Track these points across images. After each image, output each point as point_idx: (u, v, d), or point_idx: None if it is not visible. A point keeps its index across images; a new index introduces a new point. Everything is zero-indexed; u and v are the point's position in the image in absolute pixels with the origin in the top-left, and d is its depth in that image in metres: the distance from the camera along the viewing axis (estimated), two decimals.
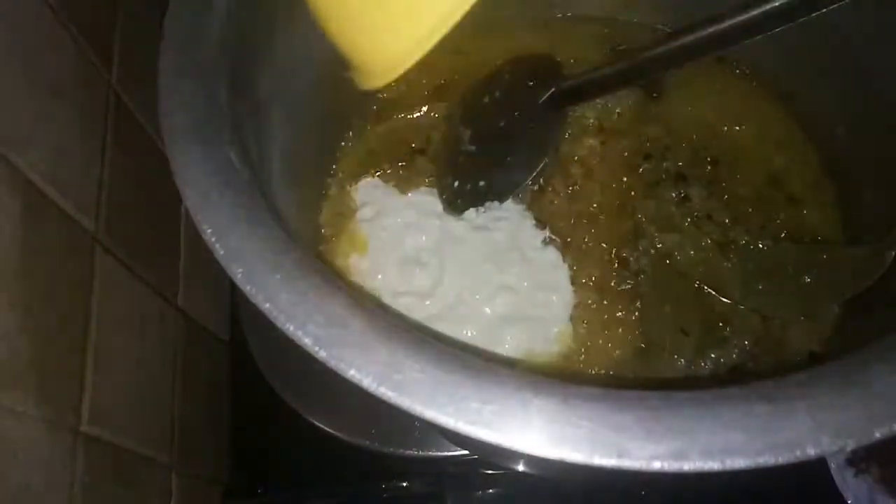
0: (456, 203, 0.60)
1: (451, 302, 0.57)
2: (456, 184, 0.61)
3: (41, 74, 0.49)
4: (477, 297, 0.57)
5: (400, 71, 0.43)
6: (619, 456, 0.28)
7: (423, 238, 0.59)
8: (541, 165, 0.61)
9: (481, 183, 0.60)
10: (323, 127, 0.62)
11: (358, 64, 0.45)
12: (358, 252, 0.59)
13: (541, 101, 0.60)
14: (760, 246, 0.57)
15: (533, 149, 0.61)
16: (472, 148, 0.61)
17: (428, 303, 0.56)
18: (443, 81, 0.68)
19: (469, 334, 0.55)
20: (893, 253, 0.50)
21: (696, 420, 0.29)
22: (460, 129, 0.63)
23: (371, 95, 0.67)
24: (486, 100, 0.63)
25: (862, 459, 0.67)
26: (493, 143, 0.61)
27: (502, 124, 0.61)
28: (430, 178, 0.63)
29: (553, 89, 0.59)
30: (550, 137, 0.62)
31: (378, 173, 0.64)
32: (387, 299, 0.57)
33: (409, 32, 0.41)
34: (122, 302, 0.57)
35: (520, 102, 0.61)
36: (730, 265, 0.56)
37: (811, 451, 0.28)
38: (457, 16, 0.41)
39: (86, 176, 0.54)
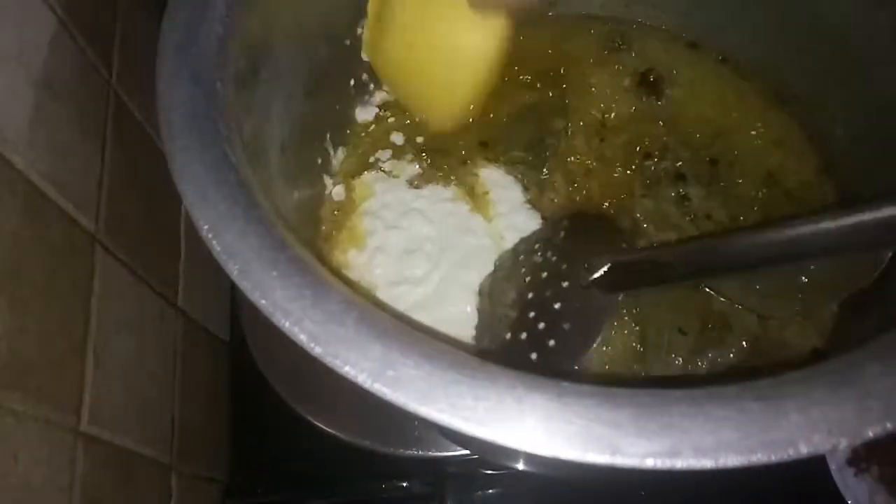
0: None
1: (441, 292, 0.58)
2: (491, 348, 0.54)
3: (41, 74, 0.49)
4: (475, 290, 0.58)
5: (456, 124, 0.65)
6: (613, 453, 0.28)
7: (428, 229, 0.60)
8: (585, 354, 0.52)
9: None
10: (322, 125, 0.62)
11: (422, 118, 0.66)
12: (356, 247, 0.60)
13: (592, 277, 0.51)
14: None
15: (577, 334, 0.51)
16: (513, 314, 0.54)
17: (419, 289, 0.57)
18: None
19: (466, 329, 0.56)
20: (889, 254, 0.50)
21: (689, 418, 0.29)
22: (505, 284, 0.57)
23: (371, 95, 0.67)
24: (538, 258, 0.56)
25: (862, 459, 0.67)
26: (535, 315, 0.53)
27: (548, 294, 0.54)
28: (433, 176, 0.63)
29: (608, 265, 0.50)
30: (598, 322, 0.52)
31: (379, 170, 0.64)
32: (383, 291, 0.57)
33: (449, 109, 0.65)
34: (122, 302, 0.57)
35: (570, 272, 0.53)
36: None
37: (804, 450, 0.28)
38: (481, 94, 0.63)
39: (86, 176, 0.54)
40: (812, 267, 0.54)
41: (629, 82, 0.67)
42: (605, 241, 0.57)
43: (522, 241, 0.59)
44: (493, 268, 0.58)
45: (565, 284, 0.53)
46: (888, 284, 0.50)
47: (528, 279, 0.55)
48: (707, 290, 0.57)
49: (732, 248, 0.42)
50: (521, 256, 0.58)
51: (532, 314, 0.53)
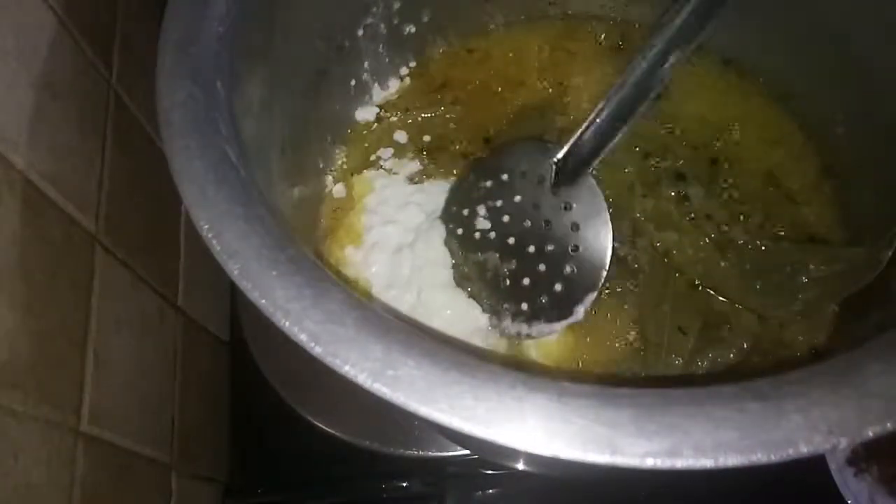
0: (527, 328, 0.55)
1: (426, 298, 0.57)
2: (524, 306, 0.54)
3: (41, 74, 0.49)
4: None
5: None
6: (612, 453, 0.28)
7: (423, 220, 0.60)
8: (610, 239, 0.54)
9: (543, 299, 0.54)
10: (322, 125, 0.62)
11: None
12: (354, 243, 0.60)
13: (550, 183, 0.55)
14: (759, 245, 0.57)
15: (591, 228, 0.54)
16: (512, 265, 0.55)
17: (408, 295, 0.57)
18: (443, 81, 0.69)
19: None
20: (889, 253, 0.50)
21: (689, 417, 0.29)
22: (474, 257, 0.57)
23: (371, 95, 0.67)
24: (482, 214, 0.57)
25: (862, 459, 0.67)
26: (535, 246, 0.55)
27: (528, 224, 0.55)
28: (435, 171, 0.64)
29: (554, 162, 0.54)
30: (594, 208, 0.54)
31: (380, 167, 0.64)
32: (380, 292, 0.57)
33: None
34: (122, 302, 0.57)
35: (528, 194, 0.56)
36: (728, 264, 0.56)
37: (804, 449, 0.28)
38: None
39: (86, 176, 0.54)
40: (812, 267, 0.54)
41: None
42: (533, 151, 0.57)
43: (445, 218, 0.59)
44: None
45: (536, 205, 0.55)
46: (888, 284, 0.50)
47: (492, 235, 0.56)
48: (707, 290, 0.57)
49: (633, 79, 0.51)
50: (461, 229, 0.58)
51: (531, 248, 0.55)
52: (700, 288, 0.57)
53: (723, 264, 0.56)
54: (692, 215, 0.60)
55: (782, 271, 0.55)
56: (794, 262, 0.55)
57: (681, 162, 0.62)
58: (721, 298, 0.57)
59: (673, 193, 0.60)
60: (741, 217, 0.60)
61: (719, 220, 0.59)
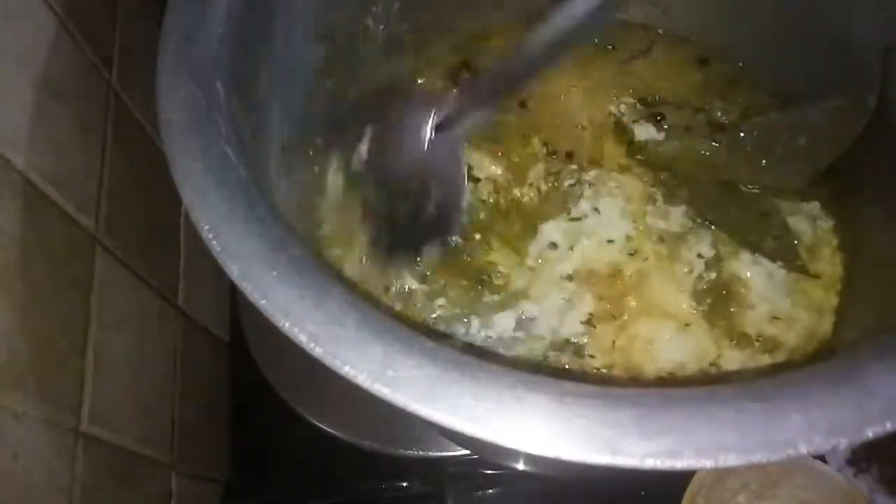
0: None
1: None
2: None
3: (41, 74, 0.49)
4: None
5: None
6: (613, 453, 0.28)
7: None
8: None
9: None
10: (322, 124, 0.62)
11: None
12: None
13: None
14: (751, 124, 0.58)
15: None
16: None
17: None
18: (443, 84, 0.69)
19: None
20: (875, 98, 0.51)
21: (689, 418, 0.29)
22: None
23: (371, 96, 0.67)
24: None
25: (862, 459, 0.67)
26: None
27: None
28: None
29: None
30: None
31: None
32: None
33: None
34: (122, 302, 0.57)
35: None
36: (730, 153, 0.58)
37: (803, 450, 0.28)
38: None
39: (86, 176, 0.54)
40: (808, 124, 0.56)
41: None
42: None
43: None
44: None
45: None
46: (874, 151, 0.52)
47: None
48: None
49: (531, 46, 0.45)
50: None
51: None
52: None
53: (725, 155, 0.58)
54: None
55: (780, 139, 0.56)
56: (789, 126, 0.56)
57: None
58: None
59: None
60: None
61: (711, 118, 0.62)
